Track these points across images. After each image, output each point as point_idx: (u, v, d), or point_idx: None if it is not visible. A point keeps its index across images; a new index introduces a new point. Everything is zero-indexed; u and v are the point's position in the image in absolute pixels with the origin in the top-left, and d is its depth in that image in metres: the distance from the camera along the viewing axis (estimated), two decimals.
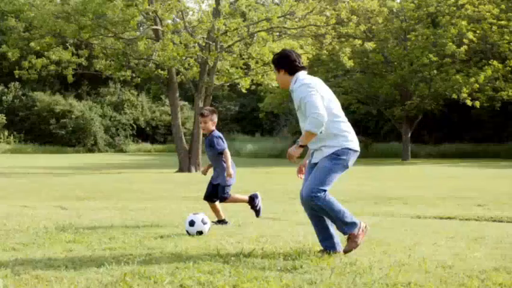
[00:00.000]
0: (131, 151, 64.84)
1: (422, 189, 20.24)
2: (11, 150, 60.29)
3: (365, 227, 6.92)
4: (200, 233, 8.28)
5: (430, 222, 11.26)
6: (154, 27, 33.29)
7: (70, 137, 64.09)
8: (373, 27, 46.14)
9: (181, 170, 32.99)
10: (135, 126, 68.90)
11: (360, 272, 6.05)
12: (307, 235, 8.17)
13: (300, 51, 31.79)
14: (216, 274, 5.86)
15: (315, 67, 46.50)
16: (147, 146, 67.62)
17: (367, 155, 48.13)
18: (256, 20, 32.60)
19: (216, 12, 32.67)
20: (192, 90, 35.63)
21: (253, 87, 36.51)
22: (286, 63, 7.00)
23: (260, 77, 33.55)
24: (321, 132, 6.66)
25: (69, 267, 6.17)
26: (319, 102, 6.61)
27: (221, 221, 9.68)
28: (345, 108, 53.26)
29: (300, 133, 6.91)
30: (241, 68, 34.52)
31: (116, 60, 35.22)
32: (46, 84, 67.73)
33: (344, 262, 6.47)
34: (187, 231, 8.35)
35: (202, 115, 9.51)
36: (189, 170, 32.55)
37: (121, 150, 65.02)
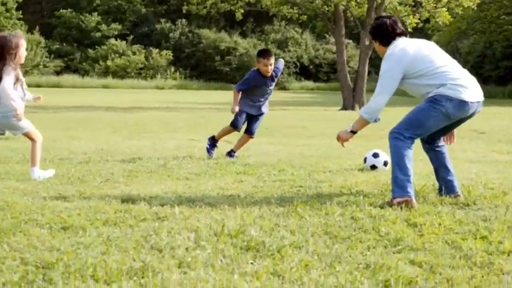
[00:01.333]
0: (294, 89, 64.98)
1: None
2: (177, 86, 61.90)
3: (406, 203, 6.03)
4: (373, 167, 8.33)
5: None
6: None
7: (234, 74, 64.85)
8: None
9: (344, 107, 32.82)
10: (298, 64, 68.96)
11: None
12: (479, 172, 7.96)
13: None
14: (386, 208, 5.82)
15: (487, 4, 44.91)
16: (310, 84, 67.56)
17: None
18: None
19: None
20: (357, 28, 35.21)
21: (421, 24, 35.69)
22: (378, 33, 6.56)
23: (428, 14, 32.74)
24: (375, 121, 6.41)
25: (241, 196, 6.29)
26: (388, 87, 6.28)
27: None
28: None
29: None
30: (409, 6, 33.77)
31: None
32: (212, 21, 68.74)
33: None
34: (364, 159, 8.47)
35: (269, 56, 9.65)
36: (353, 108, 32.28)
37: (284, 88, 65.18)
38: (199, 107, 32.08)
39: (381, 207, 5.86)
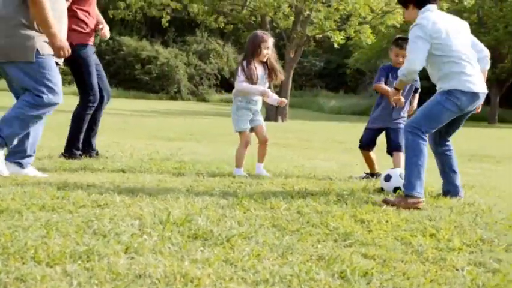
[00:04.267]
0: (213, 101, 64.80)
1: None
2: None
3: (417, 203, 6.08)
4: (396, 189, 6.68)
5: None
6: None
7: (154, 84, 64.30)
8: None
9: (267, 119, 32.82)
10: (219, 76, 68.77)
11: (479, 213, 5.88)
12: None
13: (396, 6, 31.03)
14: (331, 205, 5.73)
15: (409, 25, 45.59)
16: (230, 96, 67.09)
17: None
18: None
19: None
20: (283, 40, 35.26)
21: (343, 40, 36.03)
22: None
23: (353, 31, 33.08)
24: (416, 81, 6.82)
25: (182, 188, 6.11)
26: (418, 50, 6.27)
27: (373, 174, 8.10)
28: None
29: None
30: (335, 21, 34.03)
31: (209, 4, 35.03)
32: (133, 29, 68.18)
33: (461, 202, 6.31)
34: (381, 189, 6.90)
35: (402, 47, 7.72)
36: (276, 120, 32.37)
37: (204, 100, 64.90)
38: (120, 113, 31.67)
39: (326, 203, 5.76)
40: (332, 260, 3.97)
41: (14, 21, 6.21)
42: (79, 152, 8.17)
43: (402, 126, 7.60)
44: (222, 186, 6.39)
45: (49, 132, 10.05)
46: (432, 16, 6.41)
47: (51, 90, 6.33)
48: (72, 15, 7.62)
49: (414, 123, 6.36)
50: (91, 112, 8.14)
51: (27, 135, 6.53)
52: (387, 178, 6.87)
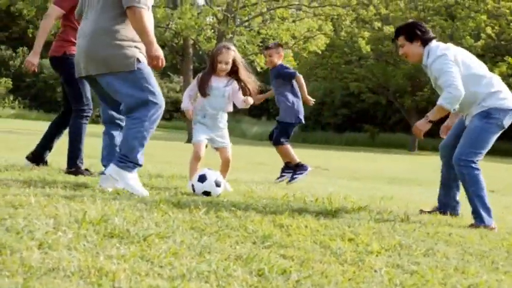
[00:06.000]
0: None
1: (433, 173, 19.90)
2: (15, 115, 60.00)
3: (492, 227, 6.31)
4: (207, 194, 6.54)
5: None
6: None
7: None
8: (391, 14, 45.83)
9: (190, 141, 32.68)
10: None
11: (398, 221, 5.95)
12: (336, 190, 8.05)
13: (318, 32, 31.49)
14: (251, 210, 5.71)
15: (329, 51, 46.27)
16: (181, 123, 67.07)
17: (373, 144, 48.03)
18: None
19: None
20: (205, 63, 35.30)
21: (265, 67, 36.24)
22: (420, 30, 6.62)
23: None
24: (454, 110, 6.49)
25: (98, 193, 6.00)
26: (456, 75, 6.29)
27: (299, 166, 9.23)
28: (355, 96, 53.34)
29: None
30: (258, 46, 34.28)
31: None
32: None
33: (380, 211, 6.37)
34: (192, 186, 6.72)
35: (268, 48, 9.26)
36: None
37: None
38: (39, 132, 31.13)
39: (246, 209, 5.73)
40: (250, 259, 3.94)
41: (113, 33, 6.22)
42: (82, 165, 8.02)
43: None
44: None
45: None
46: (444, 46, 6.56)
47: (155, 95, 6.34)
48: (73, 27, 7.68)
49: (464, 156, 6.41)
50: (87, 122, 8.02)
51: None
52: (202, 179, 6.62)
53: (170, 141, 32.71)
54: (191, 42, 33.66)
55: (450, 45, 6.63)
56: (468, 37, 42.59)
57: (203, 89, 7.26)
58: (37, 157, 8.34)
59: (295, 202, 6.58)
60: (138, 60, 6.25)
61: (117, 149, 6.58)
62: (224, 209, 5.59)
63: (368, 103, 53.68)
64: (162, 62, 6.27)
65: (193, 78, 30.05)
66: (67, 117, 8.19)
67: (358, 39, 36.54)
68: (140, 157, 6.32)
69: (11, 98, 63.30)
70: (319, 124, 57.92)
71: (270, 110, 65.77)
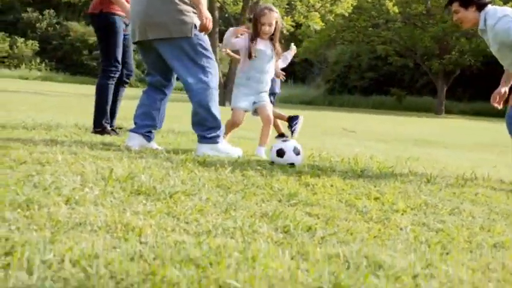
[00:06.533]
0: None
1: (460, 136, 19.88)
2: (42, 78, 60.31)
3: None
4: (291, 165, 6.11)
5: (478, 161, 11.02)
6: None
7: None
8: None
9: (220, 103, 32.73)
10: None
11: (424, 181, 5.93)
12: (362, 151, 8.03)
13: None
14: (276, 169, 5.72)
15: (356, 14, 45.91)
16: (178, 83, 66.97)
17: (399, 107, 47.80)
18: None
19: None
20: (232, 26, 35.22)
21: (292, 29, 36.12)
22: None
23: (302, 17, 33.15)
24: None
25: (125, 151, 6.04)
26: None
27: (290, 119, 9.77)
28: (382, 59, 52.99)
29: None
30: (283, 8, 34.09)
31: None
32: (81, 14, 67.53)
33: (405, 172, 6.35)
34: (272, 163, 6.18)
35: None
36: (224, 104, 32.34)
37: None
38: (66, 95, 31.34)
39: (271, 168, 5.74)
40: (275, 216, 3.95)
41: None
42: (109, 125, 8.01)
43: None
44: (167, 151, 6.33)
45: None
46: (501, 8, 6.48)
47: (211, 60, 6.43)
48: None
49: None
50: (113, 83, 7.98)
51: (159, 109, 6.72)
52: (281, 153, 6.20)
53: None
54: (217, 5, 33.54)
55: (506, 7, 6.52)
56: None
57: (249, 52, 7.08)
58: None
59: (321, 162, 6.60)
60: (195, 26, 6.27)
61: (153, 113, 6.65)
62: (250, 168, 5.61)
63: (395, 66, 53.28)
64: (211, 23, 6.26)
65: (220, 41, 29.76)
66: (119, 81, 8.15)
67: (385, 1, 36.21)
68: (218, 118, 6.41)
69: (38, 60, 63.55)
70: (345, 87, 57.62)
71: (297, 73, 65.80)
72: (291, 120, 9.86)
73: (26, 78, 58.93)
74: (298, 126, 9.78)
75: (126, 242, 3.06)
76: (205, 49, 6.34)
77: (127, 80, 8.22)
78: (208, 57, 6.34)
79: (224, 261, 2.88)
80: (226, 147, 6.39)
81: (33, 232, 3.09)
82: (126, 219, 3.47)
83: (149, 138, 6.59)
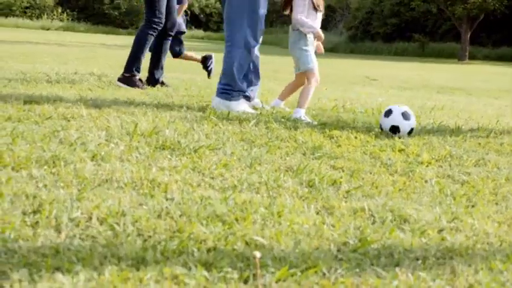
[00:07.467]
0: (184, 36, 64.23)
1: (484, 82, 19.69)
2: (64, 28, 60.15)
3: None
4: (395, 129, 5.58)
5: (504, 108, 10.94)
6: None
7: (122, 19, 63.67)
8: None
9: None
10: (189, 12, 68.01)
11: (448, 131, 5.90)
12: (385, 100, 7.98)
13: None
14: (300, 122, 5.71)
15: None
16: (200, 33, 66.83)
17: (423, 54, 47.41)
18: None
19: None
20: None
21: None
22: None
23: None
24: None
25: (150, 105, 6.05)
26: None
27: (204, 59, 10.20)
28: (405, 5, 52.44)
29: None
30: None
31: None
32: None
33: (429, 123, 6.32)
34: (380, 126, 5.76)
35: None
36: None
37: None
38: (88, 45, 31.30)
39: (295, 121, 5.73)
40: (300, 170, 3.95)
41: None
42: (139, 75, 7.97)
43: None
44: (191, 104, 6.35)
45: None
46: None
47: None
48: None
49: None
50: (153, 34, 7.88)
51: (249, 66, 6.53)
52: (388, 113, 5.70)
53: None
54: None
55: None
56: None
57: (317, 6, 6.43)
58: (151, 79, 8.29)
59: (345, 113, 6.58)
60: None
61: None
62: (273, 120, 5.60)
63: (417, 12, 52.66)
64: None
65: None
66: (161, 35, 8.12)
67: None
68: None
69: (60, 10, 63.43)
70: (368, 34, 57.10)
71: None
72: (206, 61, 10.19)
73: (48, 29, 58.83)
74: (212, 65, 10.13)
75: (152, 199, 3.08)
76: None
77: (171, 33, 8.16)
78: None
79: (250, 217, 2.90)
80: (242, 107, 6.27)
81: (60, 189, 3.11)
82: (152, 175, 3.48)
83: (249, 98, 6.51)
